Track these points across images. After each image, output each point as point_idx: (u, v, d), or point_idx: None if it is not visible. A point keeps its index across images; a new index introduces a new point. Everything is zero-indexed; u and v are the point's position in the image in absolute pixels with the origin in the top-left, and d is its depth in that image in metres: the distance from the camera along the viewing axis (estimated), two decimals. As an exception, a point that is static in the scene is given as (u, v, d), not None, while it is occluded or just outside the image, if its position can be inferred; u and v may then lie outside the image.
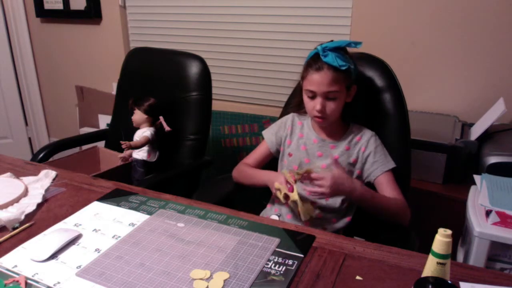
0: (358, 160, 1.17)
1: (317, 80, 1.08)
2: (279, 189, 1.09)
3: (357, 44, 1.10)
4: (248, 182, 1.26)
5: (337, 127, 1.20)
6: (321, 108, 1.09)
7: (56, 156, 1.67)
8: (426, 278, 0.63)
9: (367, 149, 1.16)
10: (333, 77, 1.07)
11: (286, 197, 1.08)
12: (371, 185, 1.16)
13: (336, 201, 1.15)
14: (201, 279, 0.75)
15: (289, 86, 2.05)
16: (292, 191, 1.06)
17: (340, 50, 1.09)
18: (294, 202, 1.06)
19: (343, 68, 1.06)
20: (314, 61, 1.09)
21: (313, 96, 1.11)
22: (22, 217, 0.96)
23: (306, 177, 1.08)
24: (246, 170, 1.27)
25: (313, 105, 1.11)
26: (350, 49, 1.15)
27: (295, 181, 1.06)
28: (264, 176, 1.19)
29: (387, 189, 1.13)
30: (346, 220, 1.18)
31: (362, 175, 1.18)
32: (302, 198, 1.07)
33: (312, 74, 1.09)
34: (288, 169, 1.22)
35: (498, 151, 1.39)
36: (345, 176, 1.07)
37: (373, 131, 1.19)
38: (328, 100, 1.10)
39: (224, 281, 0.75)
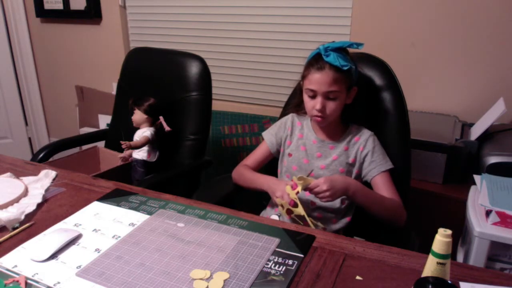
0: (356, 160, 1.17)
1: (318, 80, 1.08)
2: (281, 205, 1.09)
3: (359, 45, 1.10)
4: (248, 185, 1.26)
5: (336, 127, 1.20)
6: (321, 108, 1.09)
7: (56, 156, 1.67)
8: (426, 278, 0.63)
9: (365, 148, 1.16)
10: (334, 77, 1.07)
11: (289, 211, 1.08)
12: (368, 185, 1.16)
13: (336, 201, 1.15)
14: (201, 279, 0.75)
15: (289, 86, 2.05)
16: (293, 204, 1.06)
17: (341, 50, 1.10)
18: (300, 216, 1.06)
19: (345, 68, 1.06)
20: (315, 61, 1.09)
21: (313, 95, 1.11)
22: (22, 217, 0.96)
23: (305, 188, 1.09)
24: (246, 174, 1.26)
25: (313, 105, 1.11)
26: (351, 50, 1.15)
27: (298, 193, 1.05)
28: (264, 183, 1.18)
29: (383, 189, 1.13)
30: (346, 220, 1.18)
31: (360, 175, 1.18)
32: (301, 201, 1.07)
33: (313, 73, 1.09)
34: (288, 173, 1.22)
35: (498, 151, 1.39)
36: (336, 176, 1.10)
37: (373, 131, 1.20)
38: (328, 100, 1.10)
39: (224, 281, 0.75)
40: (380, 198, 1.12)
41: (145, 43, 2.49)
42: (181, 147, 1.59)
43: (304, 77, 1.13)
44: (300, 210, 1.05)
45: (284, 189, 1.08)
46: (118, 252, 0.84)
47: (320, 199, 1.07)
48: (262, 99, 2.24)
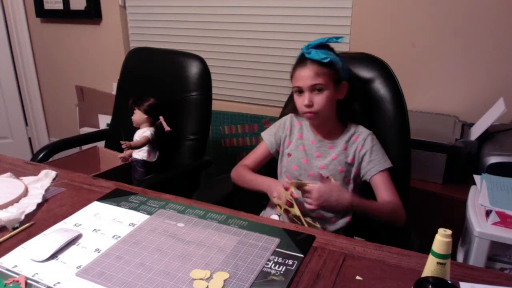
0: (355, 159, 1.18)
1: (302, 75, 1.11)
2: (279, 205, 1.10)
3: (338, 38, 1.15)
4: (247, 186, 1.25)
5: (333, 127, 1.20)
6: (308, 103, 1.11)
7: (56, 156, 1.67)
8: (426, 278, 0.63)
9: (363, 148, 1.17)
10: (317, 70, 1.10)
11: (286, 211, 1.09)
12: (367, 184, 1.16)
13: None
14: (201, 279, 0.75)
15: (289, 86, 2.03)
16: (290, 205, 1.07)
17: (323, 47, 1.14)
18: (296, 216, 1.07)
19: (325, 60, 1.09)
20: (299, 61, 1.15)
21: (300, 91, 1.13)
22: (22, 217, 0.96)
23: (302, 190, 1.10)
24: (246, 175, 1.26)
25: (302, 101, 1.13)
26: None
27: (291, 193, 1.07)
28: (264, 184, 1.18)
29: (382, 189, 1.13)
30: (346, 220, 1.18)
31: (359, 174, 1.18)
32: (299, 200, 1.08)
33: (297, 71, 1.13)
34: (288, 173, 1.23)
35: (498, 151, 1.39)
36: (333, 189, 1.09)
37: (373, 131, 1.19)
38: (314, 94, 1.11)
39: (224, 281, 0.75)
40: (379, 209, 1.11)
41: (145, 43, 2.49)
42: (181, 147, 1.59)
43: (291, 78, 1.17)
44: (295, 211, 1.06)
45: (280, 189, 1.09)
46: (118, 252, 0.84)
47: (305, 204, 1.08)
48: (262, 99, 2.24)
